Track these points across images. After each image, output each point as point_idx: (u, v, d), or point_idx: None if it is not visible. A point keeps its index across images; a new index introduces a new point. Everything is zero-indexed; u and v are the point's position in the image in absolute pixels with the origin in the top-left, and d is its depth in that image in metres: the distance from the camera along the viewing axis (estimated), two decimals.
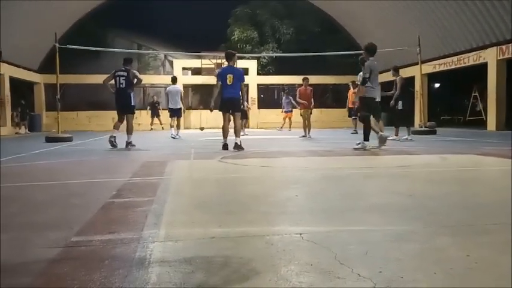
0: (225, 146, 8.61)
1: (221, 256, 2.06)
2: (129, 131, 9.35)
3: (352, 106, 13.65)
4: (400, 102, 11.08)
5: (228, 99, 8.68)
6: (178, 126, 13.98)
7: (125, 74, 9.21)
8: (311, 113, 13.58)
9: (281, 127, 19.42)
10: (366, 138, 8.14)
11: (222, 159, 6.71)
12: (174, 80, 14.25)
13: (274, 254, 2.08)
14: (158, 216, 2.88)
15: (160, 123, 22.02)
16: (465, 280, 1.73)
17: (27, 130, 20.74)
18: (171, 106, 13.83)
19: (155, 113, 22.25)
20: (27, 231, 2.58)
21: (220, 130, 8.92)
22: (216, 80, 8.95)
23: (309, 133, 13.36)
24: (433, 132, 13.65)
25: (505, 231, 2.46)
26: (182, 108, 14.13)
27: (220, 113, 8.94)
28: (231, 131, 8.81)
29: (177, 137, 13.58)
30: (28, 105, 22.55)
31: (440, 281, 1.71)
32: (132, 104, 9.39)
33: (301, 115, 13.81)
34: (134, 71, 9.45)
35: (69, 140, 12.16)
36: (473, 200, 3.43)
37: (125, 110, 9.42)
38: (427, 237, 2.36)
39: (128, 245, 2.25)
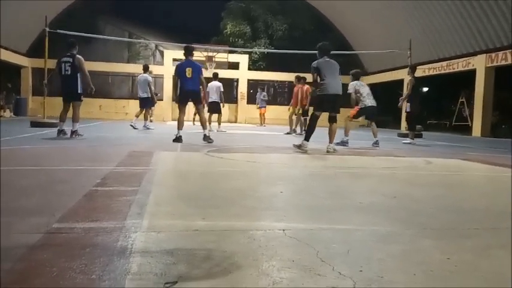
0: (178, 139, 8.43)
1: (204, 249, 2.06)
2: (75, 119, 8.88)
3: (305, 104, 13.35)
4: (408, 104, 11.07)
5: (188, 92, 8.89)
6: (137, 115, 13.37)
7: (70, 60, 8.81)
8: (299, 111, 13.43)
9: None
10: (306, 138, 7.50)
11: (209, 153, 6.69)
12: (145, 69, 13.63)
13: (256, 249, 2.08)
14: (142, 206, 2.86)
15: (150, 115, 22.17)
16: (444, 282, 1.75)
17: (12, 114, 20.47)
18: (139, 95, 13.40)
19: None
20: (8, 217, 2.54)
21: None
22: (174, 73, 9.21)
23: (301, 131, 13.08)
24: (419, 136, 13.75)
25: (486, 236, 2.51)
26: (150, 98, 13.35)
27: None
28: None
29: (137, 126, 12.79)
30: (14, 89, 22.23)
31: (420, 283, 1.73)
32: (79, 91, 8.90)
33: (288, 110, 14.22)
34: (80, 60, 8.89)
35: (54, 125, 12.01)
36: (456, 204, 3.47)
37: (71, 97, 8.96)
38: (410, 239, 2.38)
39: (110, 233, 2.24)
